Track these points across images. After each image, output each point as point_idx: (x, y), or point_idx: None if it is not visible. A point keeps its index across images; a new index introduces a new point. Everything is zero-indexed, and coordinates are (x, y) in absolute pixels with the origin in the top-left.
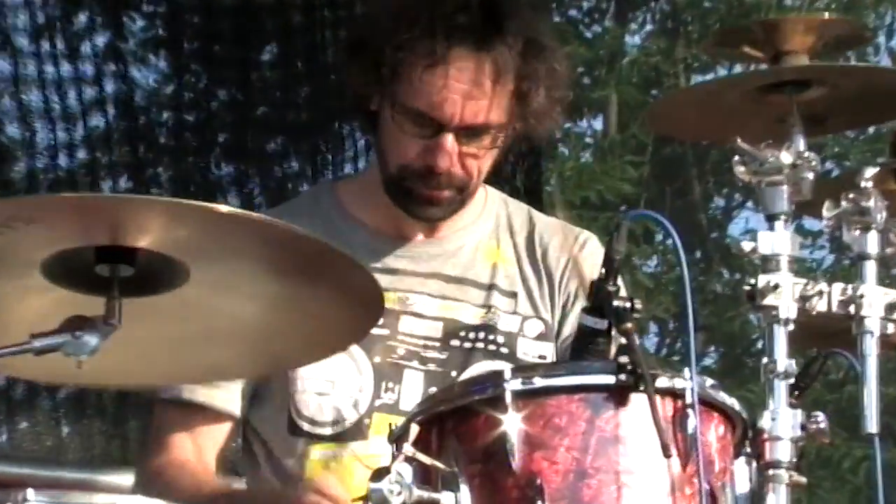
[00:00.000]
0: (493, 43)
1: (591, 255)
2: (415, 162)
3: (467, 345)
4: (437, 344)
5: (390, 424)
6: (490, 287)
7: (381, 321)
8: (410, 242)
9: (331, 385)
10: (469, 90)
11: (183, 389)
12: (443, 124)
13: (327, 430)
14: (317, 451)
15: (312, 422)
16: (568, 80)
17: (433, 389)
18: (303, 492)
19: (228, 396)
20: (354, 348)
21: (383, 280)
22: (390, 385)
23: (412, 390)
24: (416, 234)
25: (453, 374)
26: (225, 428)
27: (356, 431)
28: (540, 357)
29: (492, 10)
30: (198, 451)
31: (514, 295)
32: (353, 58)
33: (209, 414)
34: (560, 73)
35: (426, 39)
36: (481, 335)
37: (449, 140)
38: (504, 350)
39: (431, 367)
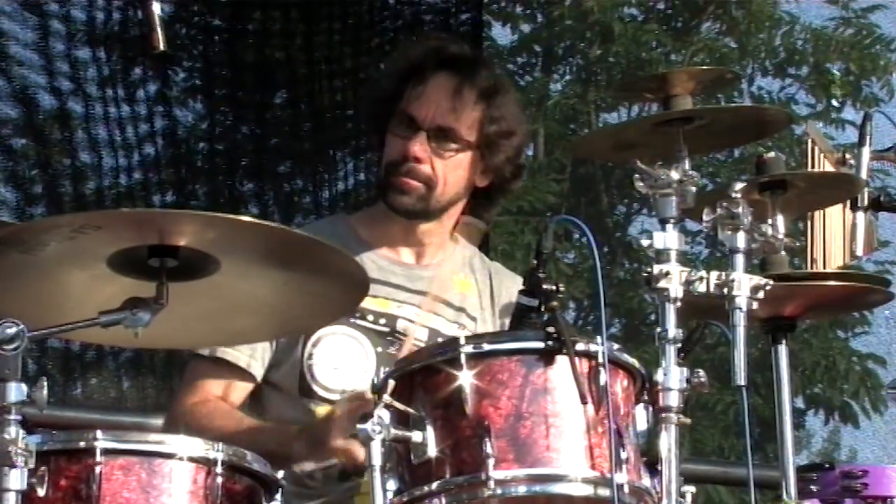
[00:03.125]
0: (470, 74)
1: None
2: (396, 156)
3: None
4: (422, 346)
5: (373, 379)
6: (460, 309)
7: (382, 322)
8: (405, 266)
9: (343, 362)
10: (442, 100)
11: (216, 349)
12: (419, 123)
13: (336, 396)
14: (324, 408)
15: (325, 388)
16: (524, 136)
17: None
18: (332, 432)
19: (253, 362)
20: (363, 338)
21: (385, 290)
22: (385, 369)
23: None
24: (410, 258)
25: None
26: (248, 386)
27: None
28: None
29: (473, 54)
30: (226, 394)
31: (475, 319)
32: (372, 108)
33: (236, 370)
34: (518, 124)
35: (418, 67)
36: None
37: (421, 136)
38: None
39: None
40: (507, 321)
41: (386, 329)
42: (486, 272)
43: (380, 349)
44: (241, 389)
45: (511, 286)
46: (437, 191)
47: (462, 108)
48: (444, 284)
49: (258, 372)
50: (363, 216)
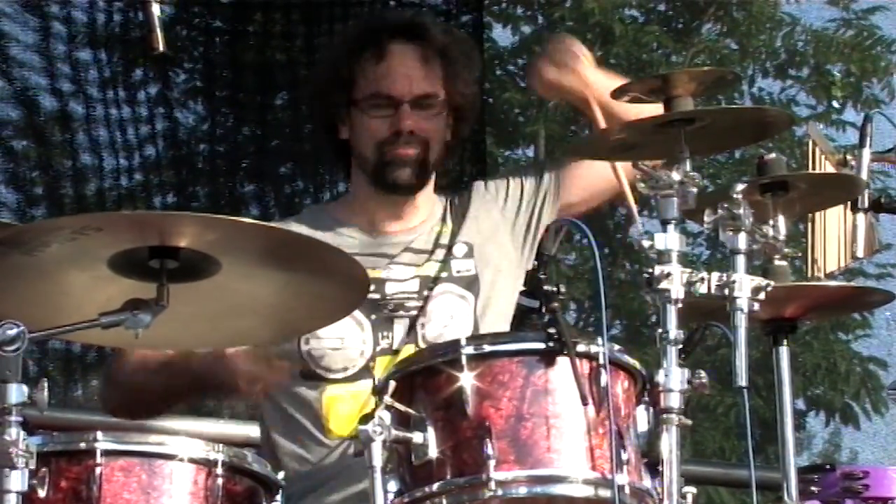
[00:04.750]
0: (420, 38)
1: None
2: (384, 133)
3: (436, 293)
4: (416, 294)
5: (373, 380)
6: (448, 247)
7: (372, 288)
8: (388, 234)
9: (341, 341)
10: (410, 70)
11: None
12: (398, 99)
13: (339, 375)
14: (332, 389)
15: (327, 370)
16: (479, 69)
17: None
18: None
19: None
20: (356, 311)
21: (371, 260)
22: (385, 333)
23: (401, 333)
24: (389, 227)
25: (429, 308)
26: None
27: (364, 373)
28: (466, 270)
29: (416, 18)
30: None
31: (469, 245)
32: (323, 93)
33: None
34: (474, 59)
35: (371, 45)
36: (450, 285)
37: (406, 108)
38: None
39: (413, 311)
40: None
41: (376, 296)
42: (464, 205)
43: (374, 317)
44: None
45: (477, 199)
46: (431, 151)
47: (431, 70)
48: (428, 237)
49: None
50: (339, 204)
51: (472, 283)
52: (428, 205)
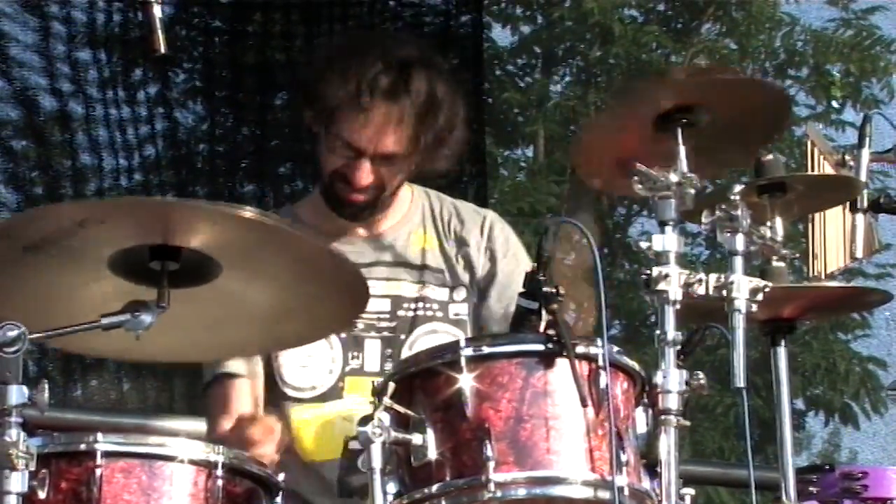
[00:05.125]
0: (401, 97)
1: (500, 230)
2: (340, 170)
3: (410, 313)
4: (388, 315)
5: (373, 381)
6: (422, 267)
7: None
8: (356, 240)
9: (309, 359)
10: (381, 129)
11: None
12: (361, 152)
13: (307, 395)
14: (299, 412)
15: (294, 388)
16: (459, 125)
17: (388, 350)
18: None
19: (250, 367)
20: None
21: None
22: (355, 353)
23: (373, 354)
24: (359, 232)
25: (402, 336)
26: (253, 385)
27: (332, 393)
28: (464, 315)
29: (404, 71)
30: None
31: (441, 271)
32: (302, 98)
33: (240, 380)
34: (454, 121)
35: (353, 93)
36: (420, 304)
37: (366, 165)
38: (439, 314)
39: (385, 333)
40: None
41: None
42: (447, 219)
43: (343, 335)
44: (256, 390)
45: (468, 223)
46: (385, 193)
47: (401, 132)
48: (401, 247)
49: (260, 368)
50: (307, 203)
51: (464, 326)
52: (397, 204)
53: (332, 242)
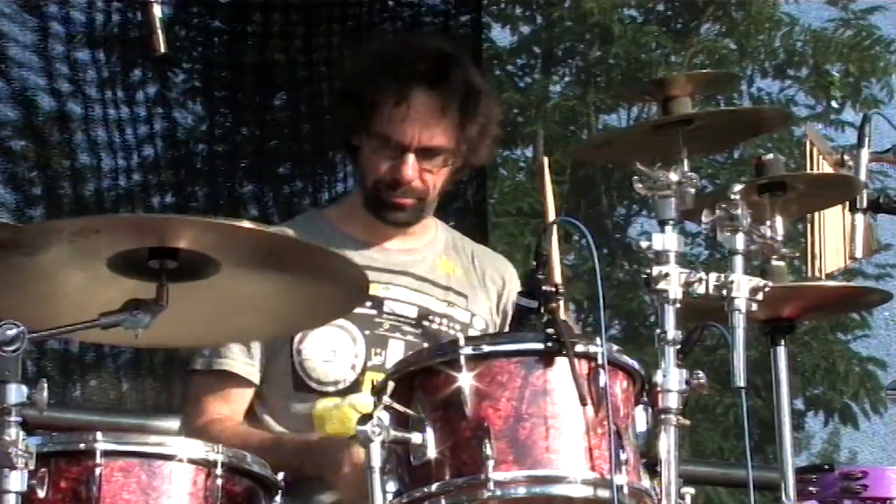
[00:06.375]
0: (442, 86)
1: (515, 279)
2: (385, 176)
3: (435, 326)
4: (414, 323)
5: (373, 381)
6: (447, 288)
7: (368, 304)
8: (386, 251)
9: (333, 354)
10: (424, 120)
11: (213, 361)
12: (405, 147)
13: (331, 388)
14: (322, 402)
15: (319, 382)
16: (499, 120)
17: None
18: (344, 447)
19: (251, 368)
20: (349, 325)
21: (371, 275)
22: (378, 351)
23: (396, 354)
24: (393, 245)
25: (425, 345)
26: (249, 393)
27: (354, 387)
28: None
29: (443, 60)
30: (232, 409)
31: (465, 296)
32: (343, 103)
33: (235, 379)
34: (493, 114)
35: (394, 84)
36: (445, 320)
37: (411, 159)
38: (460, 334)
39: (410, 338)
40: (501, 307)
41: (373, 312)
42: (468, 253)
43: (367, 332)
44: (244, 397)
45: (494, 266)
46: (429, 198)
47: (446, 122)
48: (429, 267)
49: (256, 377)
50: (338, 210)
51: None
52: (425, 230)
53: (362, 251)
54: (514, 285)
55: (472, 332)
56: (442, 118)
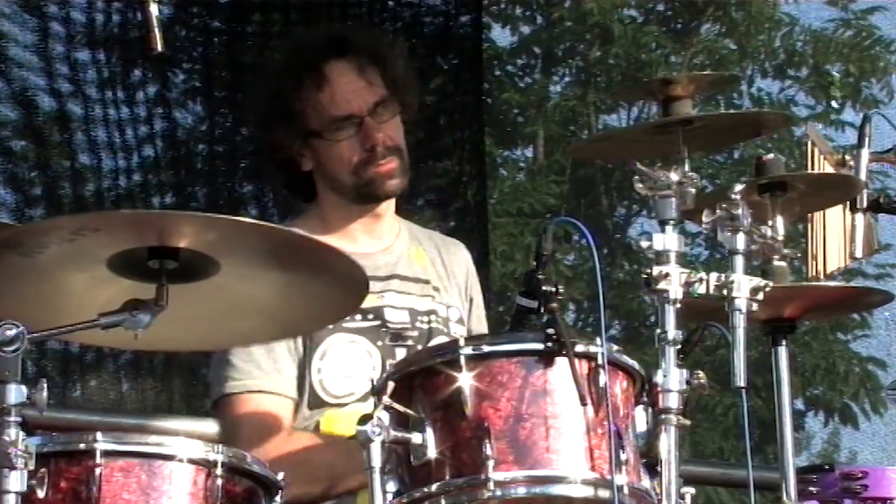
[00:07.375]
0: (346, 52)
1: (471, 262)
2: (358, 153)
3: (424, 326)
4: (409, 326)
5: (372, 380)
6: (425, 281)
7: (371, 317)
8: (370, 256)
9: (353, 370)
10: (353, 85)
11: (247, 384)
12: (359, 113)
13: (348, 400)
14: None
15: (336, 397)
16: (410, 65)
17: None
18: None
19: (283, 385)
20: (362, 340)
21: None
22: (391, 361)
23: None
24: (370, 246)
25: (419, 347)
26: (289, 407)
27: (366, 395)
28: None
29: (332, 36)
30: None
31: (437, 289)
32: (273, 128)
33: (274, 397)
34: (402, 52)
35: (306, 70)
36: (432, 317)
37: (370, 122)
38: (443, 329)
39: (409, 342)
40: (467, 293)
41: (377, 322)
42: (431, 242)
43: (379, 343)
44: (287, 412)
45: (455, 252)
46: (404, 154)
47: (371, 78)
48: (406, 261)
49: (292, 391)
50: (308, 217)
51: None
52: (389, 219)
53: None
54: (472, 268)
55: (452, 325)
56: (364, 73)
